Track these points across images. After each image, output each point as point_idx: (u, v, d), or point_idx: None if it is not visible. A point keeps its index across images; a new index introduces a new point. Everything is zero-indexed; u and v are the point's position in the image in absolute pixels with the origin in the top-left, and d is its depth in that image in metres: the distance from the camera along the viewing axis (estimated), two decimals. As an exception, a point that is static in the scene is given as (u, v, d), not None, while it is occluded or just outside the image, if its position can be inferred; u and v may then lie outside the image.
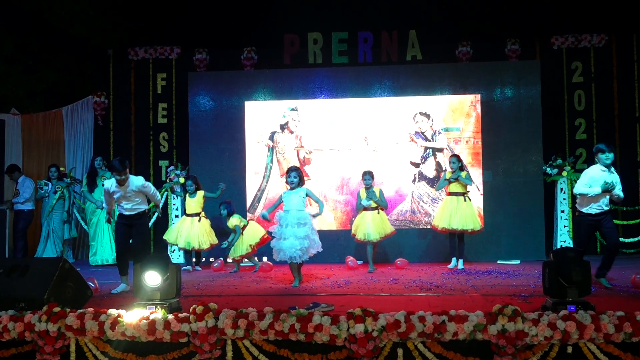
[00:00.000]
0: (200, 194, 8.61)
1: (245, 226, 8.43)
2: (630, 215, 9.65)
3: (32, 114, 10.75)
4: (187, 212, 8.67)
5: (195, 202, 8.55)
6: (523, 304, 5.17)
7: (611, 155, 6.41)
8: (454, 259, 8.34)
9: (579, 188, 6.46)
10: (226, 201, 8.56)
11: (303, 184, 7.13)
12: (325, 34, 9.93)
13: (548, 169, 9.41)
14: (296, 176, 7.03)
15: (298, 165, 9.30)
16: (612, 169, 6.50)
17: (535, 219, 9.37)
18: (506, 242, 9.30)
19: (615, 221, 9.51)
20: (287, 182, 7.14)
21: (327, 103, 9.82)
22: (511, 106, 9.56)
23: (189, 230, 8.47)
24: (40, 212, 9.96)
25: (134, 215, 6.58)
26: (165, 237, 8.73)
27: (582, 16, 9.85)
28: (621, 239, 9.46)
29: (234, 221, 8.40)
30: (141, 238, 6.63)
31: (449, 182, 8.20)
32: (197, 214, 8.56)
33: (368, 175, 8.29)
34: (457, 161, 8.21)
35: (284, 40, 9.98)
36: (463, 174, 8.16)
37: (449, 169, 8.49)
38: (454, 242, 8.32)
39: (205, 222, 8.62)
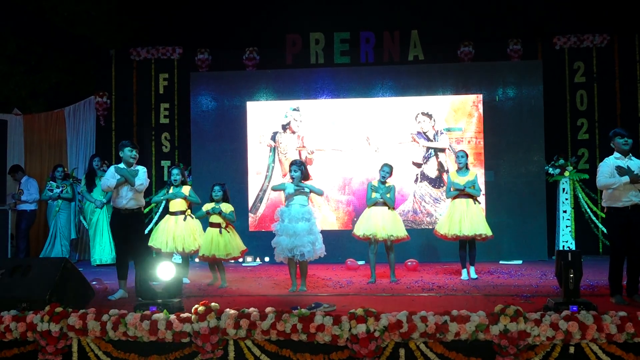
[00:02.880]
0: (187, 189, 7.51)
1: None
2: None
3: (34, 114, 10.75)
4: (170, 209, 7.48)
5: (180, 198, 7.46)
6: (525, 304, 5.17)
7: (630, 141, 5.59)
8: (464, 271, 7.39)
9: (601, 180, 5.59)
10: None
11: (308, 179, 6.69)
12: (327, 34, 9.93)
13: (550, 169, 9.41)
14: (297, 170, 6.57)
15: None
16: (631, 155, 5.65)
17: (537, 219, 9.36)
18: (508, 242, 9.29)
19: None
20: (291, 177, 6.66)
21: (329, 103, 9.81)
22: (513, 106, 9.56)
23: (173, 230, 7.30)
24: (44, 213, 9.98)
25: (129, 214, 6.39)
26: (150, 243, 7.37)
27: (584, 16, 9.83)
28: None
29: (229, 207, 7.33)
30: (138, 239, 6.52)
31: (460, 191, 7.27)
32: (183, 212, 7.43)
33: (387, 168, 7.31)
34: (465, 156, 7.43)
35: (286, 41, 9.99)
36: (471, 175, 7.42)
37: (452, 167, 8.23)
38: (464, 251, 7.38)
39: (193, 222, 7.47)
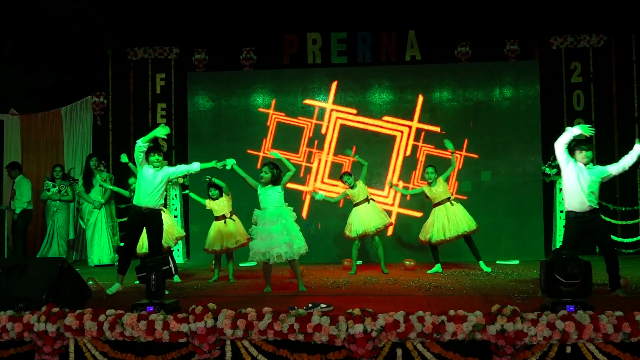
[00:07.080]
0: None
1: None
2: (630, 215, 9.65)
3: (30, 114, 10.73)
4: None
5: None
6: (522, 304, 5.17)
7: (589, 154, 5.96)
8: (437, 265, 7.96)
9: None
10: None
11: (278, 182, 6.44)
12: (324, 34, 9.94)
13: (547, 169, 9.42)
14: (267, 171, 6.41)
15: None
16: (591, 164, 6.03)
17: (534, 219, 9.39)
18: (505, 242, 9.31)
19: (614, 221, 9.57)
20: (260, 177, 6.50)
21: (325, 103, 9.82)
22: (510, 106, 9.58)
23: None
24: (42, 212, 9.96)
25: (151, 213, 6.43)
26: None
27: (581, 16, 9.84)
28: (620, 240, 9.48)
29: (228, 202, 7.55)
30: (156, 238, 6.54)
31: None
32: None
33: (347, 176, 8.00)
34: (434, 172, 7.88)
35: (283, 41, 9.99)
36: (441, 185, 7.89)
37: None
38: (436, 250, 7.97)
39: (167, 217, 7.50)
